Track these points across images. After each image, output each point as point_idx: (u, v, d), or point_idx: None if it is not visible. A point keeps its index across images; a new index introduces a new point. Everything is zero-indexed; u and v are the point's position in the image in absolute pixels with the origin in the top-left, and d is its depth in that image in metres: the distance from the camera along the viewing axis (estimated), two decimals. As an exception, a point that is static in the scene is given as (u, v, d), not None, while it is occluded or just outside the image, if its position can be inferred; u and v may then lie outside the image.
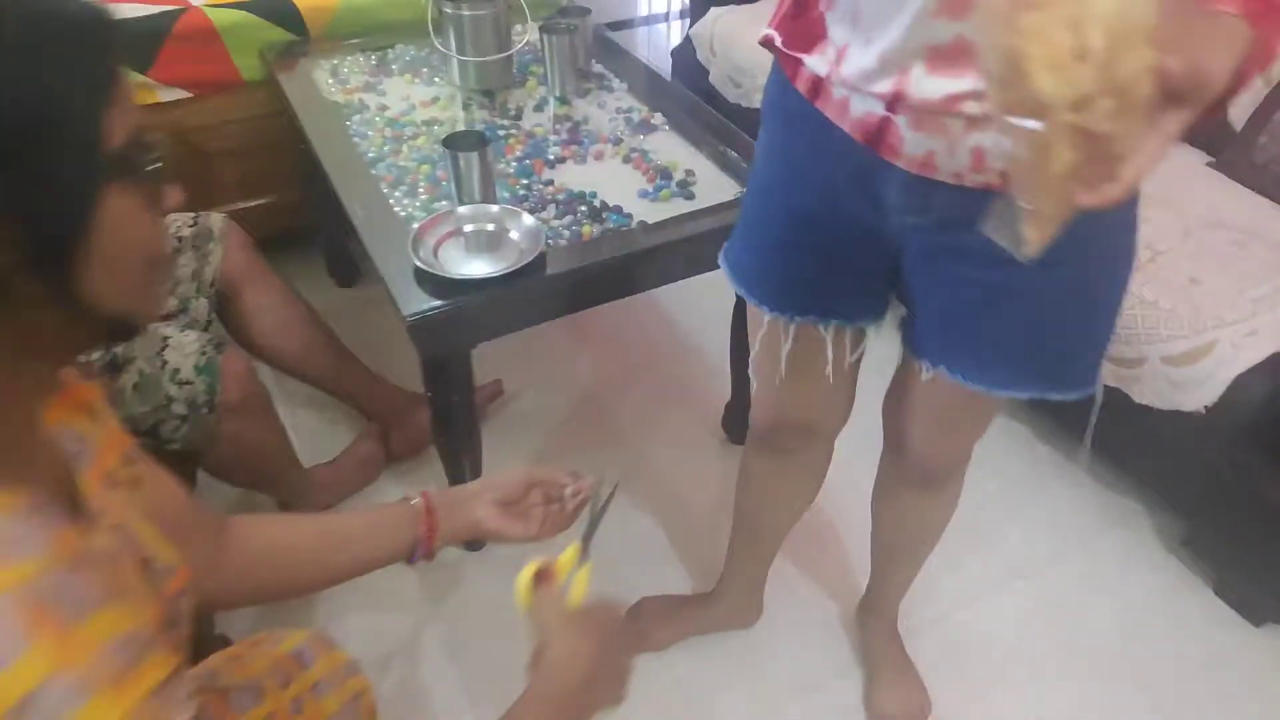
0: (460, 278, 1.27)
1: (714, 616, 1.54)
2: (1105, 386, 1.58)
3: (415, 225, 1.33)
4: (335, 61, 1.90)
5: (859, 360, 1.14)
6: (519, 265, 1.29)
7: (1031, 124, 0.61)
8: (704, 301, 2.13)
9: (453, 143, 1.38)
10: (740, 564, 1.48)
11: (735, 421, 1.83)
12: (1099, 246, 0.91)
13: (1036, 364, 0.98)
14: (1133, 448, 1.70)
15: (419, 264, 1.27)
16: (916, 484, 1.24)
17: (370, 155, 1.58)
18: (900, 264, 0.99)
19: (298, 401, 1.89)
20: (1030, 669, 1.52)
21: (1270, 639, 1.56)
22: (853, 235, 0.97)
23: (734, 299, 1.53)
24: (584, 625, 0.81)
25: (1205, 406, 1.47)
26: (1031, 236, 0.68)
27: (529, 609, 0.83)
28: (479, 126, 1.68)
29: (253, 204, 2.06)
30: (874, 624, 1.51)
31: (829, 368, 1.09)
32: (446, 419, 1.44)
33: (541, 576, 0.84)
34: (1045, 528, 1.74)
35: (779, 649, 1.53)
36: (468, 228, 1.35)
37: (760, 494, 1.36)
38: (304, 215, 2.07)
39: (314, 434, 1.82)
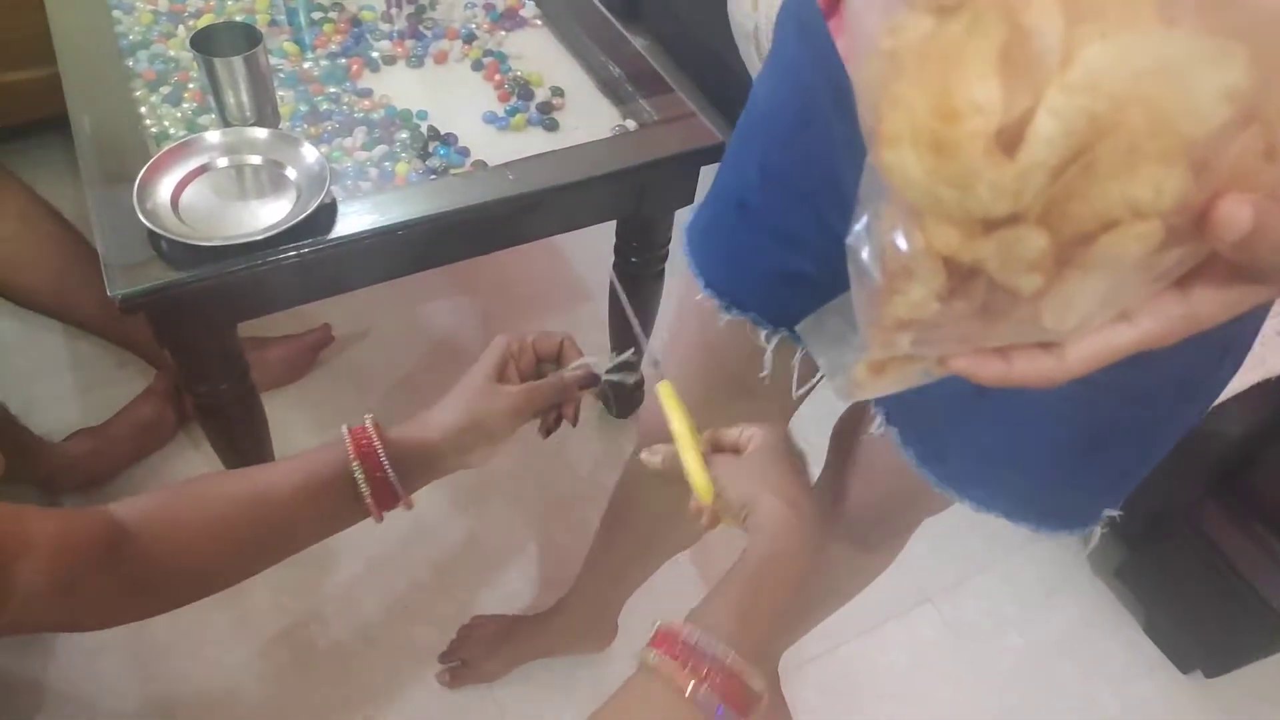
0: (204, 244, 0.92)
1: (554, 636, 1.27)
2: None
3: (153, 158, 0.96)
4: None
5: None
6: (290, 222, 0.93)
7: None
8: (600, 237, 1.79)
9: (207, 43, 0.99)
10: (597, 579, 1.20)
11: (618, 394, 1.52)
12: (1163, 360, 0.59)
13: (1015, 480, 0.70)
14: (1073, 459, 1.44)
15: (144, 219, 0.91)
16: (841, 536, 0.97)
17: (130, 39, 1.18)
18: None
19: (55, 349, 1.54)
20: (920, 712, 1.31)
21: (1198, 690, 1.36)
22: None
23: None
24: (773, 470, 0.58)
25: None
26: (859, 382, 0.42)
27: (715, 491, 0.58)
28: (290, 4, 1.27)
29: (28, 75, 1.62)
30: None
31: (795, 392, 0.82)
32: (212, 411, 1.11)
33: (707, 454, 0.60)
34: (960, 542, 1.49)
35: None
36: (222, 161, 0.99)
37: (645, 503, 1.05)
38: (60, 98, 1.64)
39: (85, 393, 1.48)
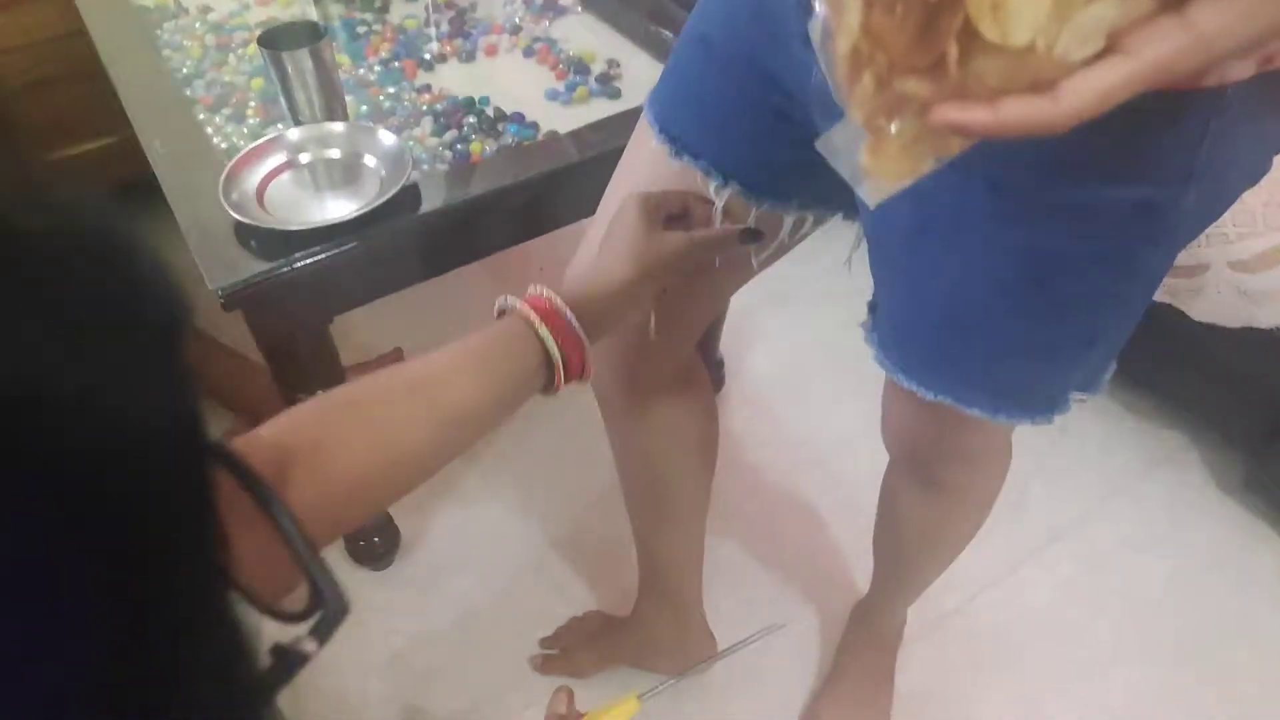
0: (294, 229, 0.90)
1: (641, 641, 1.17)
2: (1154, 303, 1.27)
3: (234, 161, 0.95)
4: (145, -45, 1.47)
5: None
6: (376, 203, 0.92)
7: None
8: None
9: (274, 40, 0.99)
10: (653, 569, 1.12)
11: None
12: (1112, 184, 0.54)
13: (961, 345, 0.66)
14: (1181, 374, 1.39)
15: (231, 211, 0.89)
16: (908, 479, 0.91)
17: (184, 72, 1.18)
18: None
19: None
20: (1077, 657, 1.23)
21: (1359, 592, 1.29)
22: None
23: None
24: None
25: (1288, 320, 1.16)
26: (868, 170, 0.41)
27: None
28: (333, 25, 1.28)
29: (80, 150, 1.64)
30: (862, 629, 1.18)
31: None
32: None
33: None
34: (1076, 477, 1.44)
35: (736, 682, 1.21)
36: (304, 157, 0.97)
37: (640, 445, 0.97)
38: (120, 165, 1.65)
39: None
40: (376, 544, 1.31)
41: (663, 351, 0.86)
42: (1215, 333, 1.23)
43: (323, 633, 0.31)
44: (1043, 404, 0.70)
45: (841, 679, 1.18)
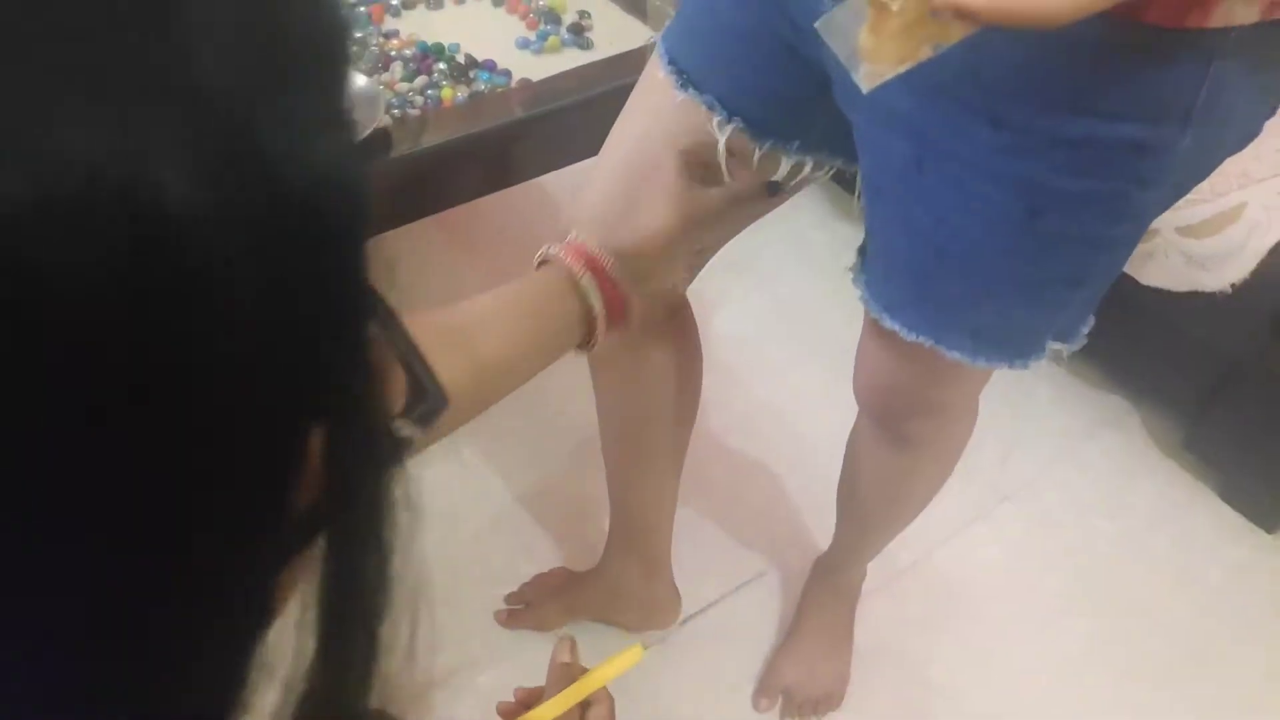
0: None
1: (607, 591, 1.17)
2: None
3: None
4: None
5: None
6: (350, 144, 0.89)
7: None
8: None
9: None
10: (623, 515, 1.12)
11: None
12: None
13: (946, 280, 0.68)
14: (1126, 339, 1.44)
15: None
16: (876, 433, 0.93)
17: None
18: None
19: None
20: (1028, 610, 1.28)
21: (1287, 547, 1.36)
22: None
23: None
24: None
25: (1231, 285, 1.21)
26: (866, 50, 0.43)
27: None
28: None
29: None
30: (824, 583, 1.20)
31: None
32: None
33: None
34: (1026, 438, 1.48)
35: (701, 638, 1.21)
36: (272, 94, 0.94)
37: (627, 385, 0.98)
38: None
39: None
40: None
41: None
42: (1162, 297, 1.27)
43: (425, 419, 0.32)
44: (1021, 348, 0.72)
45: (803, 633, 1.20)
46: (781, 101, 0.71)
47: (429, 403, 0.33)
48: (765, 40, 0.68)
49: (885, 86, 0.46)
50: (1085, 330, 0.75)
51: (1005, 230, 0.63)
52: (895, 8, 0.41)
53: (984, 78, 0.41)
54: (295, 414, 0.22)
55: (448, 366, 0.55)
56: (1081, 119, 0.55)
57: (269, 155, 0.19)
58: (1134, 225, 0.64)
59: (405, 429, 0.31)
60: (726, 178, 0.73)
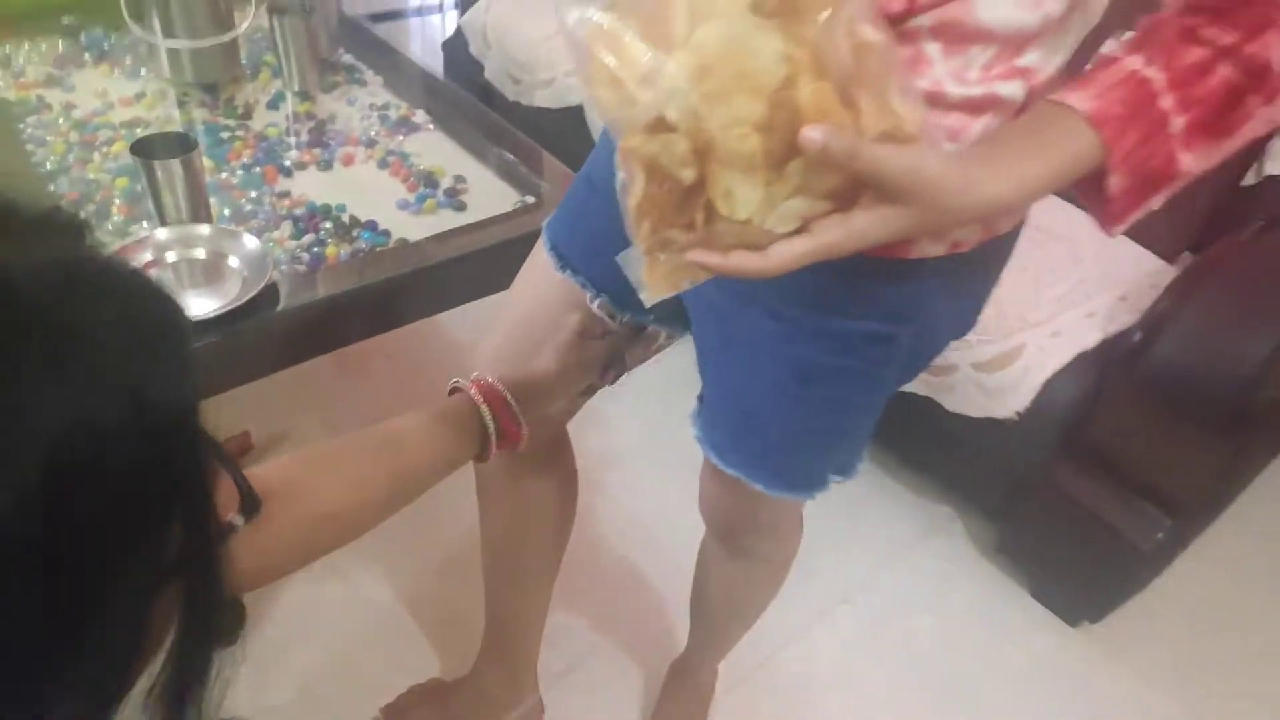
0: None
1: (475, 701, 1.26)
2: (916, 395, 1.51)
3: (99, 255, 1.03)
4: (7, 49, 1.52)
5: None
6: (240, 301, 1.02)
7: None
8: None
9: (147, 148, 1.09)
10: (496, 624, 1.23)
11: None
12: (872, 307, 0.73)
13: (751, 430, 0.85)
14: (942, 456, 1.65)
15: (101, 307, 0.98)
16: (718, 546, 1.09)
17: (48, 167, 1.25)
18: None
19: None
20: (860, 698, 1.42)
21: (1087, 638, 1.54)
22: None
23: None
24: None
25: (1017, 413, 1.42)
26: (645, 282, 0.59)
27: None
28: (197, 128, 1.38)
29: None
30: (680, 682, 1.34)
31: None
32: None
33: None
34: (861, 546, 1.65)
35: None
36: (170, 256, 1.07)
37: (511, 512, 1.10)
38: None
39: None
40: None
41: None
42: (965, 421, 1.47)
43: (248, 511, 0.51)
44: (809, 482, 0.88)
45: None
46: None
47: (250, 501, 0.50)
48: (624, 237, 0.85)
49: (702, 285, 0.63)
50: (859, 465, 0.92)
51: (786, 397, 0.80)
52: (662, 260, 0.58)
53: (769, 285, 0.57)
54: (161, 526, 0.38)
55: (374, 473, 0.70)
56: (835, 317, 0.73)
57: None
58: (881, 392, 0.81)
59: (235, 521, 0.48)
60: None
